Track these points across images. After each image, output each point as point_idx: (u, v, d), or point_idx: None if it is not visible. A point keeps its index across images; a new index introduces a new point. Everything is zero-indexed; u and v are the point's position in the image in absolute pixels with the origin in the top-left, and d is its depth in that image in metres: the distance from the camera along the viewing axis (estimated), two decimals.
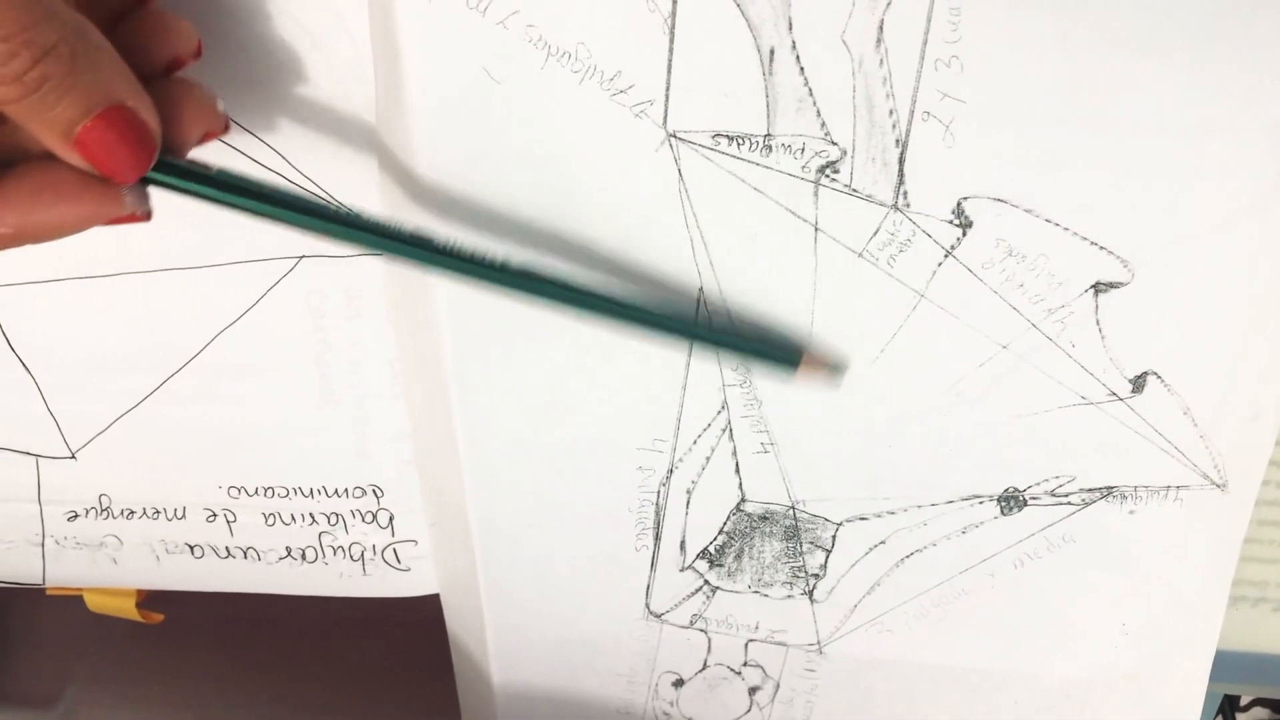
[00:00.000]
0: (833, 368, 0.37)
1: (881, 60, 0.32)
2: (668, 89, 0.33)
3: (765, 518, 0.41)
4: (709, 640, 0.45)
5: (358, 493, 0.44)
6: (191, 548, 0.46)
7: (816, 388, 0.38)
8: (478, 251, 0.32)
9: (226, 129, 0.32)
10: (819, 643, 0.44)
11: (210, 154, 0.35)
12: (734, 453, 0.40)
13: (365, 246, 0.31)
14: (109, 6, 0.30)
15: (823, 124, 0.33)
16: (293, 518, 0.45)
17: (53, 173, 0.28)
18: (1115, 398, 0.37)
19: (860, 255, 0.35)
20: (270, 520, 0.45)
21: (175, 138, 0.30)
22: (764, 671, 0.46)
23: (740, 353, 0.36)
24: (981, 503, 0.40)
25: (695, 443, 0.40)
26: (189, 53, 0.31)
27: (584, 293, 0.33)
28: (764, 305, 0.36)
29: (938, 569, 0.42)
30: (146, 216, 0.30)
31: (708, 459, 0.40)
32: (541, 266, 0.33)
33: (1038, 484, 0.39)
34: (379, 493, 0.44)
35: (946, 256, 0.35)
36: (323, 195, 0.37)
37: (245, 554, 0.46)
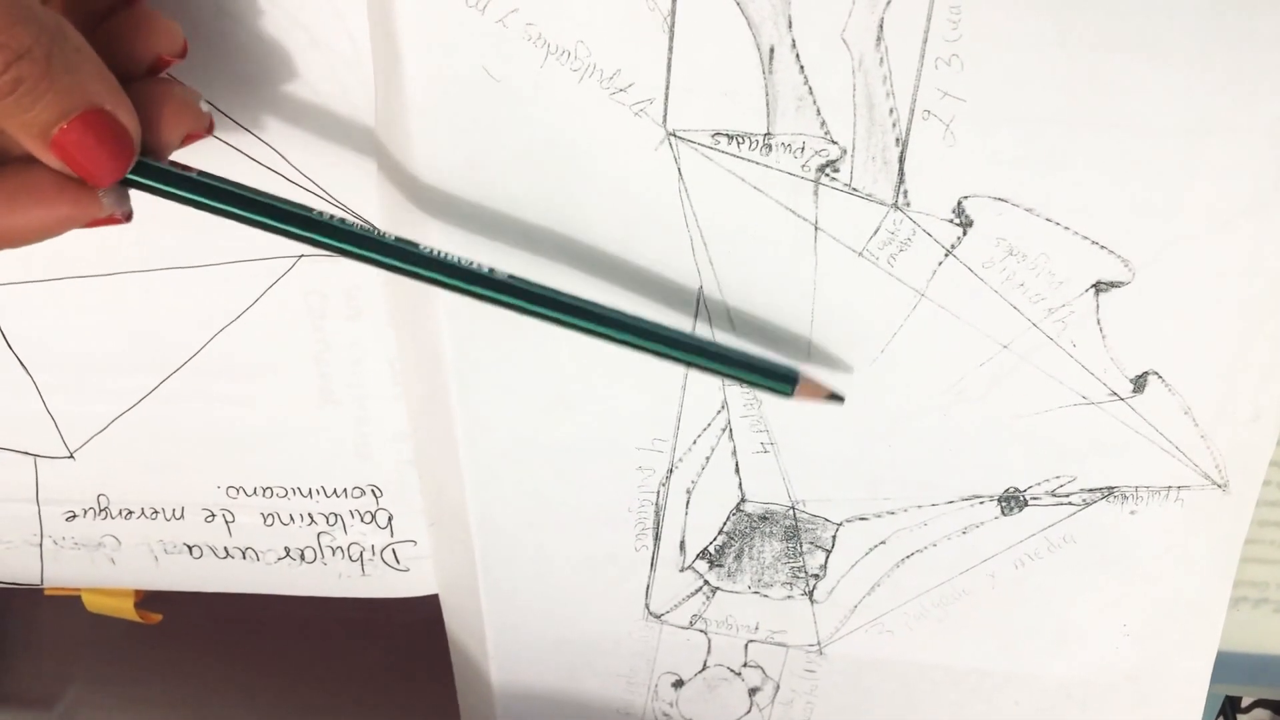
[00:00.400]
0: (830, 395, 0.36)
1: (882, 59, 0.32)
2: (667, 87, 0.33)
3: (765, 518, 0.41)
4: (709, 641, 0.45)
5: (357, 493, 0.44)
6: (190, 548, 0.46)
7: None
8: (463, 260, 0.32)
9: (210, 130, 0.32)
10: (819, 643, 0.44)
11: (209, 152, 0.35)
12: (734, 452, 0.40)
13: (347, 254, 0.31)
14: (94, 7, 0.30)
15: (823, 123, 0.33)
16: (291, 518, 0.44)
17: (31, 175, 0.28)
18: (1116, 397, 0.37)
19: (860, 254, 0.35)
20: (269, 520, 0.45)
21: (156, 140, 0.30)
22: (764, 672, 0.46)
23: (734, 376, 0.35)
24: (982, 503, 0.40)
25: (695, 442, 0.40)
26: (173, 53, 0.31)
27: (573, 305, 0.33)
28: (763, 305, 0.36)
29: (938, 569, 0.41)
30: (126, 218, 0.30)
31: (707, 459, 0.40)
32: (528, 278, 0.32)
33: (1038, 484, 0.39)
34: (378, 493, 0.44)
35: (947, 256, 0.35)
36: (321, 194, 0.37)
37: (244, 554, 0.46)
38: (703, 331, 0.37)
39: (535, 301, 0.32)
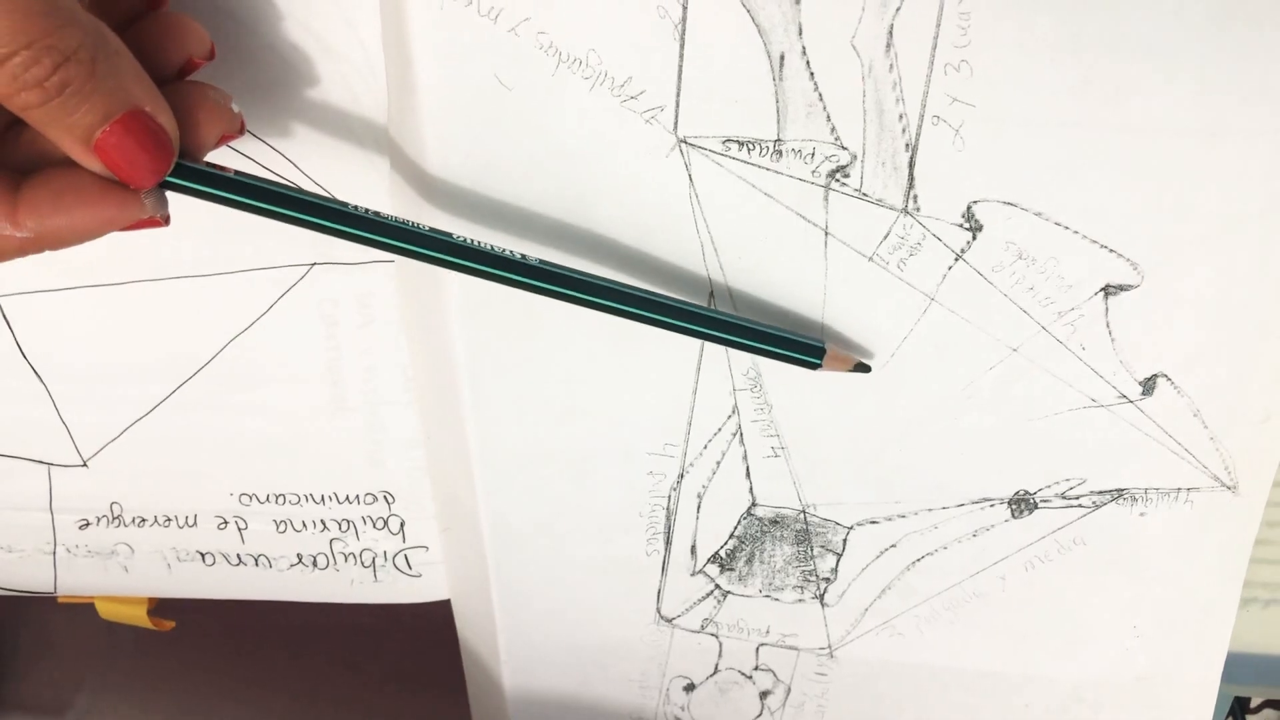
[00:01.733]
0: (857, 365, 0.36)
1: (891, 65, 0.32)
2: (678, 95, 0.33)
3: (776, 522, 0.41)
4: (720, 644, 0.45)
5: (369, 499, 0.44)
6: (203, 555, 0.46)
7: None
8: (495, 248, 0.32)
9: (242, 131, 0.32)
10: (830, 646, 0.44)
11: (222, 160, 0.35)
12: (744, 457, 0.40)
13: (382, 246, 0.31)
14: (122, 10, 0.30)
15: (833, 129, 0.33)
16: (304, 524, 0.45)
17: (73, 178, 0.28)
18: (1125, 400, 0.37)
19: (871, 259, 0.35)
20: (281, 527, 0.45)
21: (192, 141, 0.30)
22: (775, 675, 0.46)
23: (761, 350, 0.35)
24: (992, 505, 0.40)
25: (706, 447, 0.40)
26: (202, 54, 0.31)
27: (604, 286, 0.33)
28: (774, 309, 0.36)
29: (949, 572, 0.42)
30: (165, 220, 0.30)
31: (718, 463, 0.40)
32: (560, 263, 0.33)
33: (1048, 487, 0.39)
34: (390, 499, 0.44)
35: (957, 260, 0.35)
36: None
37: (256, 561, 0.46)
38: None
39: (561, 284, 0.33)
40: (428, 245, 0.32)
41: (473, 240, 0.32)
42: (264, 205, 0.30)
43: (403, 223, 0.31)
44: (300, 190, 0.31)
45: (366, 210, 0.31)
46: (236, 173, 0.30)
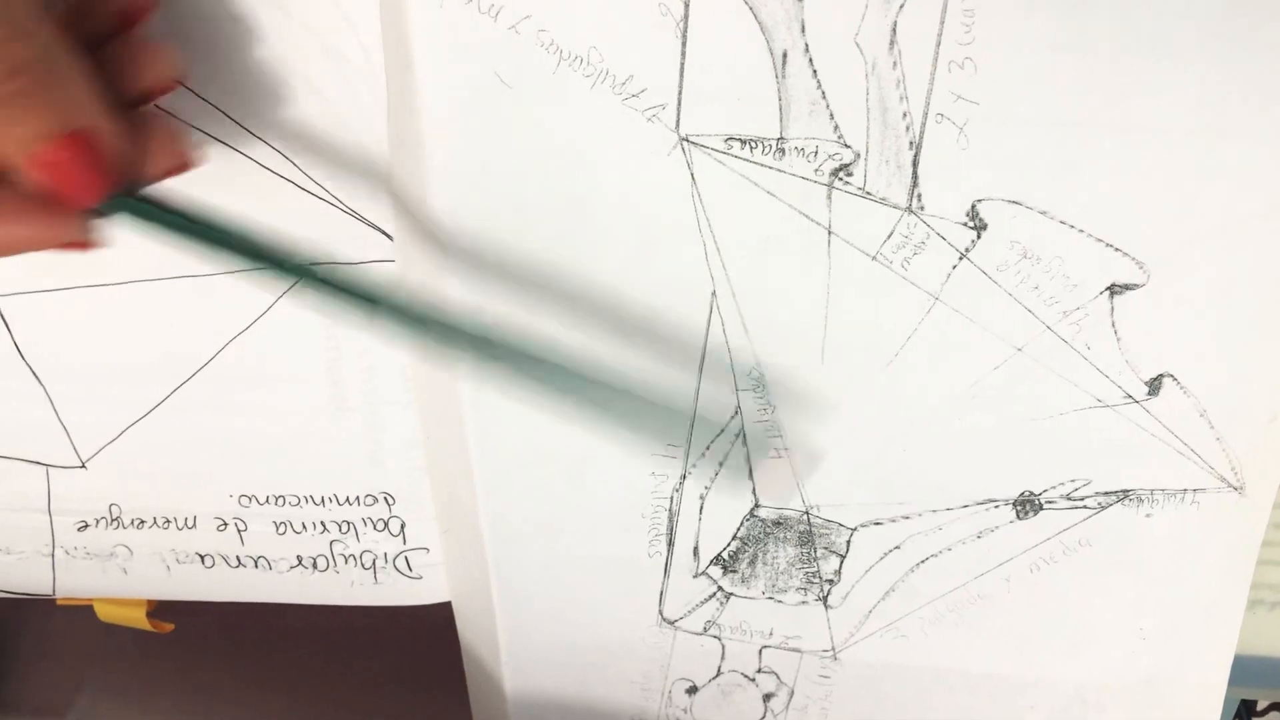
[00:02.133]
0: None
1: (895, 62, 0.32)
2: (680, 92, 0.33)
3: (779, 523, 0.41)
4: (723, 647, 0.45)
5: (369, 500, 0.44)
6: (202, 557, 0.46)
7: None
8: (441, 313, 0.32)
9: (192, 167, 0.31)
10: (833, 649, 0.44)
11: (222, 160, 0.35)
12: (747, 458, 0.40)
13: (323, 294, 0.31)
14: (91, 29, 0.29)
15: (836, 127, 0.33)
16: (304, 526, 0.44)
17: (7, 191, 0.27)
18: (1131, 400, 0.37)
19: (874, 258, 0.35)
20: (281, 529, 0.45)
21: (138, 169, 0.29)
22: (778, 678, 0.45)
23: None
24: (997, 507, 0.40)
25: (708, 448, 0.39)
26: (165, 86, 0.31)
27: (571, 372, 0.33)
28: (777, 309, 0.36)
29: (953, 574, 0.41)
30: (95, 245, 0.29)
31: (721, 464, 0.40)
32: (523, 340, 0.33)
33: (1053, 488, 0.39)
34: (390, 500, 0.44)
35: (961, 259, 0.35)
36: (333, 202, 0.37)
37: (256, 563, 0.46)
38: (715, 336, 0.37)
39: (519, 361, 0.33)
40: (362, 299, 0.31)
41: (412, 304, 0.32)
42: (198, 245, 0.30)
43: (330, 274, 0.31)
44: (238, 232, 0.30)
45: (303, 261, 0.31)
46: (178, 208, 0.30)
